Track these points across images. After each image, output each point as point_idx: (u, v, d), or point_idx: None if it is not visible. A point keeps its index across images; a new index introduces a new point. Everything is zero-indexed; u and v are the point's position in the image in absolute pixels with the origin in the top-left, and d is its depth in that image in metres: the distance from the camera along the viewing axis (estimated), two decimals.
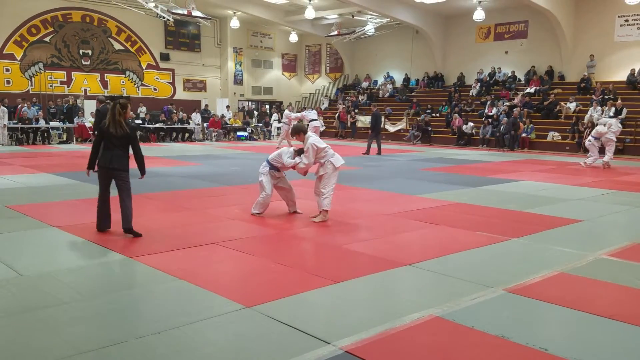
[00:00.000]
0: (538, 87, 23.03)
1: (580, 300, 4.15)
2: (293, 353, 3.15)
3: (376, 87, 29.65)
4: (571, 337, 3.56)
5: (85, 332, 3.44)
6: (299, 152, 6.96)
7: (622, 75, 21.53)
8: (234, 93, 29.76)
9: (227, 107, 26.37)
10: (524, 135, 20.53)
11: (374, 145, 17.50)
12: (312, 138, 6.93)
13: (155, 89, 27.40)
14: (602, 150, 14.47)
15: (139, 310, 3.83)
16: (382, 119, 22.34)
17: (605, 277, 4.72)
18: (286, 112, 20.54)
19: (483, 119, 22.47)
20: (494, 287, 4.38)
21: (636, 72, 20.99)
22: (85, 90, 24.75)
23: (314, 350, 3.20)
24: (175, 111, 23.64)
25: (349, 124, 25.91)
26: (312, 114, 19.30)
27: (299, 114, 21.24)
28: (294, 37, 29.97)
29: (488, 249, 5.67)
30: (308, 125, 19.45)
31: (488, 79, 25.17)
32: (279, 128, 23.75)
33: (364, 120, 25.30)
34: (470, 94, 25.27)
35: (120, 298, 4.09)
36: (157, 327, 3.49)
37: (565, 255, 5.43)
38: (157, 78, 27.48)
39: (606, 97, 20.34)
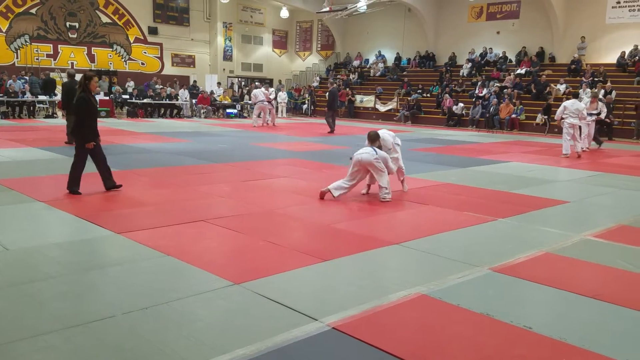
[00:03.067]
0: (528, 68, 23.02)
1: (565, 280, 4.20)
2: (281, 329, 3.17)
3: (367, 66, 29.47)
4: (555, 316, 3.61)
5: (72, 307, 3.43)
6: None
7: (612, 58, 21.56)
8: (224, 69, 29.43)
9: (218, 83, 26.05)
10: (513, 116, 20.58)
11: (364, 124, 17.54)
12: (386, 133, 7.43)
13: (143, 64, 27.00)
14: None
15: (126, 286, 3.83)
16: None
17: (590, 258, 4.79)
18: (262, 90, 20.18)
19: (473, 99, 22.46)
20: (480, 266, 4.43)
21: (626, 54, 21.04)
22: (72, 63, 24.30)
23: (301, 326, 3.22)
24: (162, 86, 23.35)
25: (346, 103, 25.94)
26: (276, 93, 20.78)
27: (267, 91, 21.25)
28: (284, 13, 29.58)
29: (475, 229, 5.72)
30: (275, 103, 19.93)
31: (479, 59, 25.09)
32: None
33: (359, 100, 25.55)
34: (461, 74, 25.21)
35: (108, 273, 4.08)
36: (145, 302, 3.50)
37: (551, 236, 5.49)
38: (145, 52, 27.07)
39: (596, 79, 20.39)
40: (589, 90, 18.84)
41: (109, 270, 4.17)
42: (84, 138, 6.79)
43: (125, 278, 4.00)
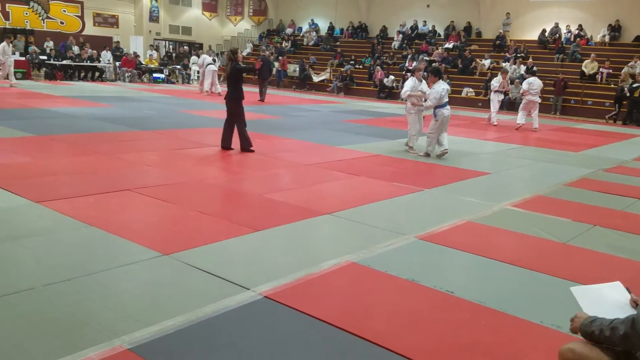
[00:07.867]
0: (456, 43, 23.62)
1: (485, 247, 4.43)
2: (212, 299, 3.15)
3: (301, 34, 29.16)
4: (475, 280, 3.81)
5: None
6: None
7: (534, 35, 22.53)
8: (150, 31, 28.16)
9: (154, 46, 24.86)
10: None
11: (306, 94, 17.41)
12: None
13: (62, 23, 25.34)
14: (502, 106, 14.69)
15: (46, 257, 3.65)
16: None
17: (508, 226, 5.06)
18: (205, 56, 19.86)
19: (404, 72, 22.80)
20: (406, 235, 4.58)
21: (547, 32, 22.03)
22: None
23: (233, 296, 3.21)
24: (84, 47, 22.07)
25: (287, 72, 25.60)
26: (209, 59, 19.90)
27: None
28: None
29: (403, 199, 5.88)
30: (206, 67, 19.11)
31: (410, 32, 25.43)
32: (198, 72, 22.97)
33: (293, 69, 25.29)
34: (393, 46, 25.48)
35: (26, 244, 3.87)
36: (67, 274, 3.35)
37: (472, 205, 5.75)
38: (65, 11, 25.39)
39: (518, 55, 21.26)
40: (521, 66, 19.65)
41: (26, 240, 3.95)
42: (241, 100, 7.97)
43: (45, 249, 3.81)
